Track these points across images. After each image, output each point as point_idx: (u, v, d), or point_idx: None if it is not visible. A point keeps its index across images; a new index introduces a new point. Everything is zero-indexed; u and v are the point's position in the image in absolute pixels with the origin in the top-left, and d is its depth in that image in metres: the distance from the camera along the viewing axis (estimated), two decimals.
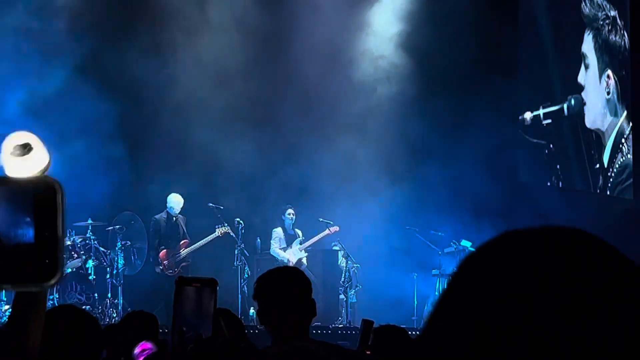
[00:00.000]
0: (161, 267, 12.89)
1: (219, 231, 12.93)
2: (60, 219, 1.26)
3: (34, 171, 2.06)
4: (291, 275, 3.74)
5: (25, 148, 1.42)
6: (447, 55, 15.03)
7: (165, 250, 12.94)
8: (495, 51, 15.55)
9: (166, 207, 13.05)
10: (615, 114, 15.93)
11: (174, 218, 13.04)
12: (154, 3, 14.12)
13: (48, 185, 1.27)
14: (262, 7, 14.63)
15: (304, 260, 13.58)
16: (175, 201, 12.98)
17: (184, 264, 12.95)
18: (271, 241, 13.62)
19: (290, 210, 13.68)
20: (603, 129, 15.86)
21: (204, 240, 13.02)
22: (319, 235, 13.76)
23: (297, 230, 13.76)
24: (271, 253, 13.55)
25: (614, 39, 16.37)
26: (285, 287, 3.59)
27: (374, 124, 15.19)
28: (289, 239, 13.69)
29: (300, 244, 13.65)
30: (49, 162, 2.19)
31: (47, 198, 1.26)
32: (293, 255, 13.53)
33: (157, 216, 13.05)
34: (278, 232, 13.65)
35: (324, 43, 14.83)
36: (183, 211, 13.13)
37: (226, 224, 12.98)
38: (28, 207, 1.25)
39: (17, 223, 1.24)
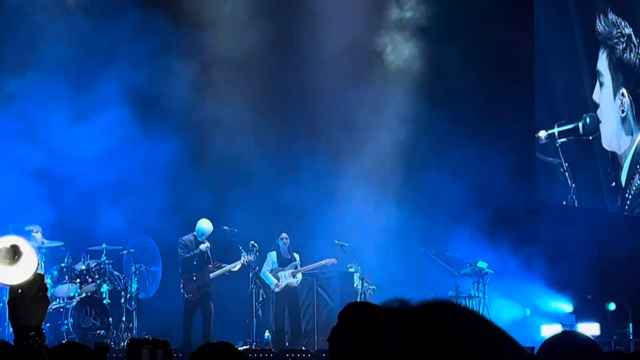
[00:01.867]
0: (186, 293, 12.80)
1: (244, 259, 12.85)
2: None
3: (24, 277, 1.93)
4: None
5: (15, 254, 1.34)
6: (462, 71, 14.96)
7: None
8: (511, 66, 15.47)
9: (194, 230, 12.93)
10: (631, 133, 15.81)
11: (200, 243, 12.91)
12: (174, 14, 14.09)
13: None
14: (277, 21, 14.57)
15: (294, 285, 13.52)
16: (205, 227, 12.90)
17: (206, 289, 12.84)
18: (264, 264, 13.55)
19: (284, 235, 13.69)
20: (620, 151, 15.74)
21: (228, 267, 12.93)
22: (314, 264, 13.75)
23: (294, 254, 13.70)
24: (261, 275, 13.45)
25: (628, 57, 16.26)
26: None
27: (390, 143, 15.09)
28: (285, 263, 13.66)
29: (295, 268, 13.60)
30: (38, 265, 2.08)
31: None
32: (284, 278, 13.47)
33: (184, 238, 12.90)
34: (272, 255, 13.69)
35: (336, 58, 14.77)
36: None
37: (250, 253, 12.88)
38: None
39: None
